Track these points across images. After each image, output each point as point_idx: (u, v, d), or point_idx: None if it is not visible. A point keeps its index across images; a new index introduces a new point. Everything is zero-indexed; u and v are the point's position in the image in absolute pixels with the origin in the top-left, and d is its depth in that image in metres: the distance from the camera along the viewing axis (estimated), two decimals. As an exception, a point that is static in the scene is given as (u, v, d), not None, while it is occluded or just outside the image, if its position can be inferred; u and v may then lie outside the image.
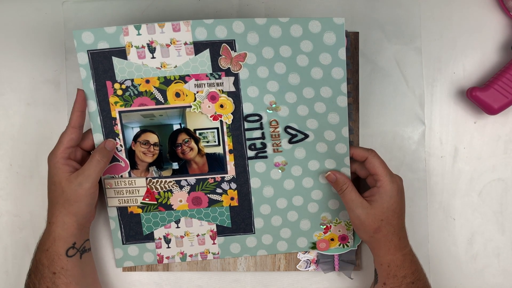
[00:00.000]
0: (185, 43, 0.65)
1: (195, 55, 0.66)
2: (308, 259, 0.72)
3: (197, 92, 0.67)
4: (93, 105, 0.66)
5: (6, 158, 0.69)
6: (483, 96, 0.66)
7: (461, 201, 0.69)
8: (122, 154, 0.69)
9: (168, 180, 0.70)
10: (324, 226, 0.71)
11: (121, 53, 0.65)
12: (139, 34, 0.65)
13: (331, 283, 0.69)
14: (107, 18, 0.69)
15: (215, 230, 0.72)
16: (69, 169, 0.65)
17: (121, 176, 0.69)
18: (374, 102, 0.67)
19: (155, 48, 0.66)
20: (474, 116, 0.69)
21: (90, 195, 0.65)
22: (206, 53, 0.66)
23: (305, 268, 0.70)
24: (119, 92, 0.66)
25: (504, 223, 0.69)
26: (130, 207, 0.70)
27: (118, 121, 0.67)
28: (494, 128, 0.69)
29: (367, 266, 0.67)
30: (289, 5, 0.69)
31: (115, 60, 0.65)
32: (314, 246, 0.72)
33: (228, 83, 0.67)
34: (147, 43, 0.65)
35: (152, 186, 0.70)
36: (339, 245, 0.71)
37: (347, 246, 0.71)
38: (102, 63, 0.65)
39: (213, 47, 0.65)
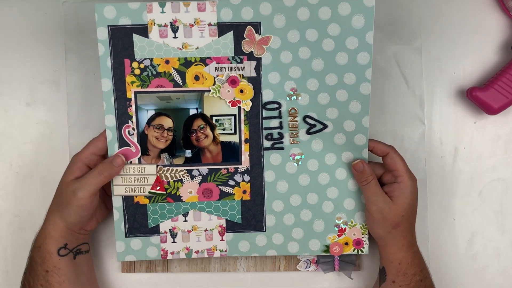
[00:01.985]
0: (209, 24, 0.65)
1: (218, 37, 0.65)
2: (308, 259, 0.73)
3: (217, 76, 0.66)
4: (108, 84, 0.65)
5: (6, 158, 0.70)
6: (483, 96, 0.67)
7: (461, 201, 0.70)
8: (134, 139, 0.67)
9: (179, 169, 0.68)
10: (338, 229, 0.71)
11: (143, 30, 0.65)
12: (163, 12, 0.65)
13: (331, 283, 0.70)
14: None
15: (224, 225, 0.70)
16: (78, 174, 0.65)
17: (130, 162, 0.68)
18: (374, 102, 0.68)
19: (178, 28, 0.65)
20: (474, 116, 0.70)
21: (81, 206, 0.64)
22: (230, 35, 0.66)
23: (305, 268, 0.70)
24: (137, 72, 0.66)
25: (504, 223, 0.70)
26: (136, 196, 0.68)
27: (132, 103, 0.67)
28: (494, 128, 0.70)
29: (367, 266, 0.68)
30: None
31: (136, 38, 0.65)
32: (327, 249, 0.71)
33: (249, 68, 0.66)
34: (170, 22, 0.65)
35: (162, 174, 0.68)
36: (353, 250, 0.71)
37: (362, 251, 0.71)
38: (122, 39, 0.64)
39: (238, 29, 0.65)
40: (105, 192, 0.67)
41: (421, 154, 0.71)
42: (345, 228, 0.70)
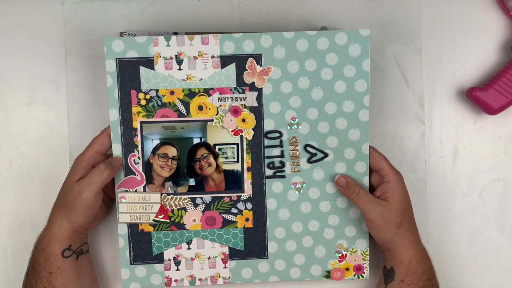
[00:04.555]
0: (212, 56, 0.74)
1: (221, 68, 0.74)
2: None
3: (220, 106, 0.75)
4: (115, 114, 0.76)
5: (6, 158, 0.73)
6: (483, 96, 0.69)
7: (461, 201, 0.71)
8: (139, 167, 0.76)
9: (183, 197, 0.77)
10: (340, 254, 0.79)
11: (149, 63, 0.74)
12: (168, 45, 0.73)
13: (331, 283, 0.70)
14: (107, 18, 0.72)
15: (227, 253, 0.79)
16: (82, 174, 0.72)
17: (135, 191, 0.77)
18: (374, 102, 0.72)
19: (182, 60, 0.74)
20: (474, 116, 0.71)
21: (88, 206, 0.71)
22: (232, 67, 0.74)
23: (305, 268, 0.72)
24: (143, 102, 0.75)
25: (504, 223, 0.71)
26: (141, 224, 0.78)
27: (138, 132, 0.76)
28: (494, 128, 0.72)
29: (368, 266, 0.67)
30: (289, 5, 0.70)
31: (142, 70, 0.74)
32: (328, 275, 0.79)
33: (251, 98, 0.75)
34: (175, 55, 0.74)
35: (167, 202, 0.77)
36: (354, 275, 0.80)
37: (362, 277, 0.80)
38: (129, 71, 0.75)
39: (240, 61, 0.75)
40: (103, 190, 0.76)
41: (421, 154, 0.73)
42: (346, 254, 0.79)
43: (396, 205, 0.71)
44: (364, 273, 0.79)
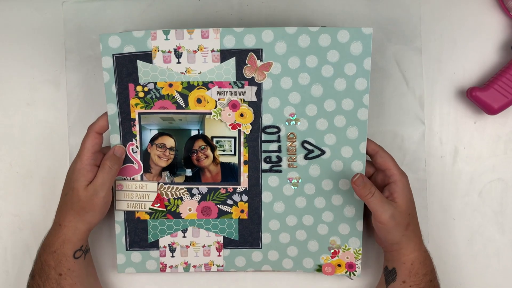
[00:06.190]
0: (212, 50, 0.74)
1: (221, 62, 0.75)
2: (308, 260, 0.74)
3: (219, 100, 0.76)
4: (113, 108, 0.77)
5: (6, 158, 0.73)
6: (483, 96, 0.69)
7: (461, 201, 0.71)
8: (137, 156, 0.78)
9: (179, 187, 0.79)
10: (332, 251, 0.79)
11: (147, 57, 0.75)
12: (167, 39, 0.74)
13: (331, 283, 0.72)
14: (107, 18, 0.73)
15: (222, 242, 0.81)
16: (91, 177, 0.74)
17: (133, 179, 0.79)
18: (374, 102, 0.72)
19: (181, 54, 0.74)
20: (474, 116, 0.71)
21: (104, 204, 0.74)
22: (232, 61, 0.74)
23: (305, 268, 0.73)
24: (141, 95, 0.76)
25: (504, 223, 0.72)
26: (137, 212, 0.79)
27: (136, 122, 0.77)
28: (494, 128, 0.72)
29: (367, 266, 0.69)
30: (289, 4, 0.70)
31: (140, 64, 0.75)
32: (319, 269, 0.80)
33: (250, 93, 0.75)
34: (174, 48, 0.74)
35: (163, 192, 0.79)
36: (346, 272, 0.80)
37: (354, 274, 0.81)
38: (126, 66, 0.76)
39: (240, 56, 0.75)
40: None
41: (421, 154, 0.73)
42: (339, 251, 0.80)
43: (404, 207, 0.71)
44: (356, 271, 0.79)
